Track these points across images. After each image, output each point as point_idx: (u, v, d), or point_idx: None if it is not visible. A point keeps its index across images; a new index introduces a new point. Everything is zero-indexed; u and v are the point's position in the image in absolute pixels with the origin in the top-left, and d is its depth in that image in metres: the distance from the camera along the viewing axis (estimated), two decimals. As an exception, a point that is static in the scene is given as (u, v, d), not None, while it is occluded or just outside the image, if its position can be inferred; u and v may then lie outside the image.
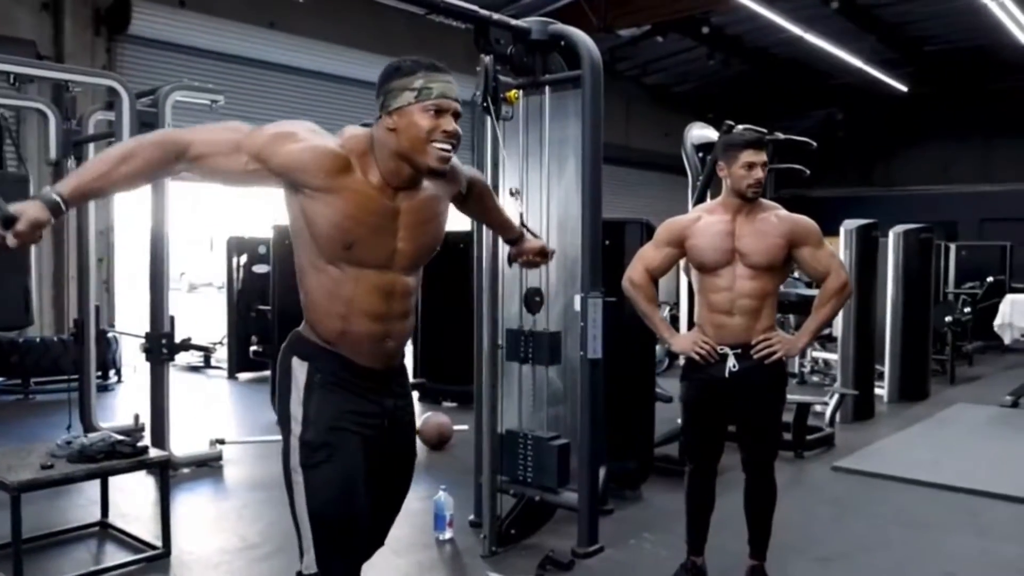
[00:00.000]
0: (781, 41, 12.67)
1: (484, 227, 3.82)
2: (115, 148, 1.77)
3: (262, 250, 8.30)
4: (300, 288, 1.93)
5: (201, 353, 8.85)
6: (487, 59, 3.37)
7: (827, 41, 11.80)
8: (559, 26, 3.65)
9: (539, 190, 3.73)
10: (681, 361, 3.23)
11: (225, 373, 8.42)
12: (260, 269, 8.28)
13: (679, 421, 4.98)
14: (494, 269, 3.64)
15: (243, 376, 8.32)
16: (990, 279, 9.63)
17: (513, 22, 3.53)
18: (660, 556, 3.58)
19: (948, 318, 8.52)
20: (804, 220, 3.06)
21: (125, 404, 6.62)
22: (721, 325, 3.03)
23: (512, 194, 3.68)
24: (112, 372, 7.61)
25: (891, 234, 7.33)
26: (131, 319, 8.57)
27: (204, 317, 9.19)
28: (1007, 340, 7.60)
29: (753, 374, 3.00)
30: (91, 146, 5.39)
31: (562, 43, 3.63)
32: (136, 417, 5.57)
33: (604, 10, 11.05)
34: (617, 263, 4.22)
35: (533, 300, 3.59)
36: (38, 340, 7.07)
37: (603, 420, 3.77)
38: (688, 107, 15.79)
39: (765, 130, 5.73)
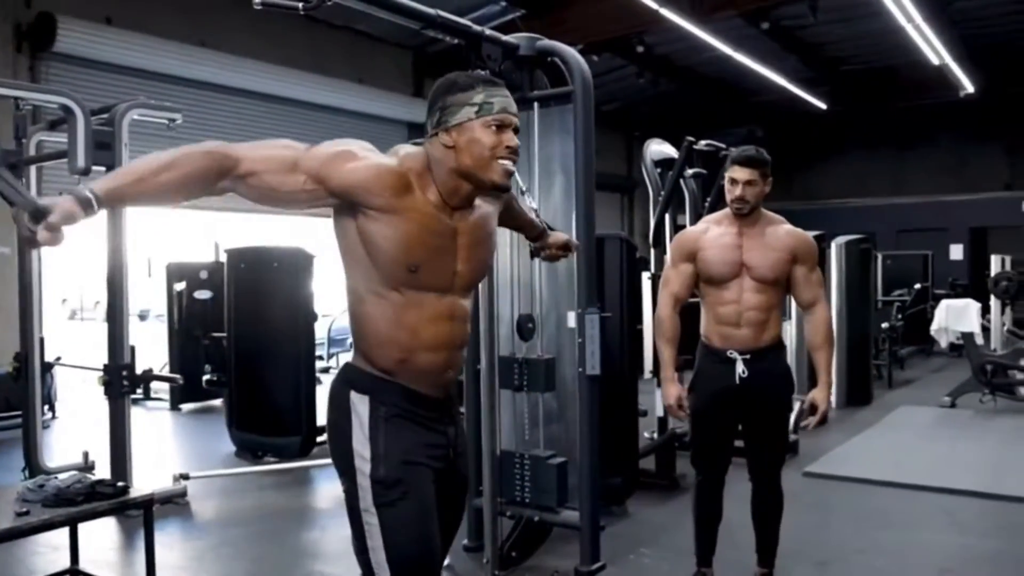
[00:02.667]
0: (708, 60, 13.03)
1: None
2: (159, 154, 1.62)
3: (203, 275, 7.99)
4: (353, 316, 1.84)
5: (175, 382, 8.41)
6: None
7: (753, 60, 12.21)
8: (547, 42, 3.65)
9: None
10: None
11: (167, 405, 8.03)
12: (202, 295, 7.97)
13: (647, 435, 5.03)
14: (490, 290, 3.59)
15: (187, 407, 7.96)
16: (917, 286, 10.09)
17: (503, 37, 3.51)
18: (663, 570, 3.57)
19: (884, 324, 8.87)
20: (810, 239, 3.13)
21: (66, 441, 6.23)
22: (728, 336, 3.06)
23: (522, 192, 3.56)
24: (46, 408, 7.14)
25: (833, 245, 7.60)
26: (53, 350, 8.10)
27: (142, 346, 8.73)
28: (943, 344, 7.97)
29: (762, 379, 3.02)
30: (32, 168, 5.09)
31: (549, 59, 3.63)
32: (85, 455, 5.25)
33: (538, 29, 11.11)
34: (598, 279, 4.23)
35: (526, 327, 3.55)
36: (-33, 376, 6.60)
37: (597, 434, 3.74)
38: (616, 126, 16.08)
39: (723, 145, 5.91)
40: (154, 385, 8.40)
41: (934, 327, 7.94)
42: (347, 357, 2.01)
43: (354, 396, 1.82)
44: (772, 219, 3.13)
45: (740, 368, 3.00)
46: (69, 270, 21.40)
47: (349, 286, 1.82)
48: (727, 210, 3.13)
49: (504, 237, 3.65)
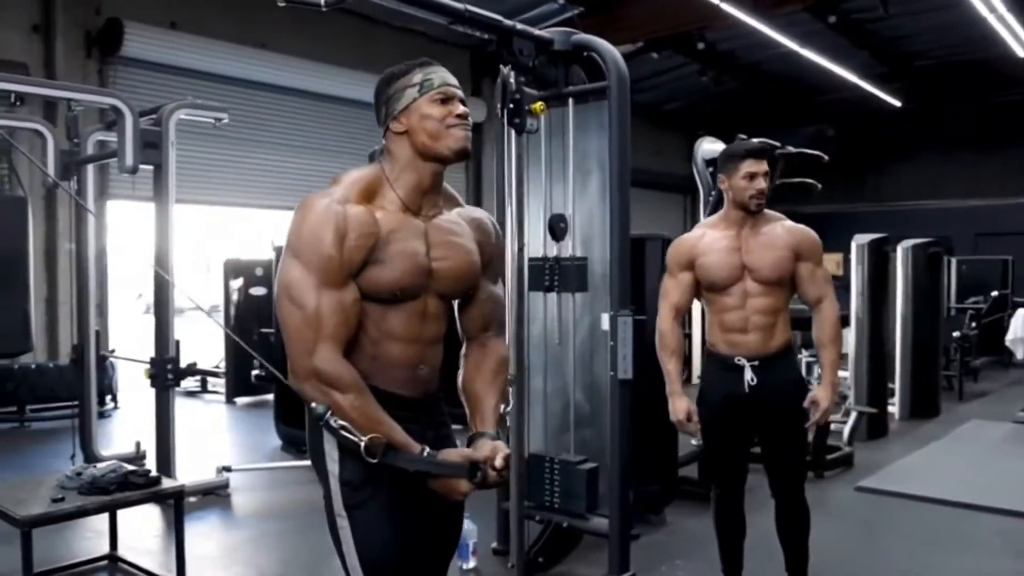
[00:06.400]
0: (773, 57, 12.70)
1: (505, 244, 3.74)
2: (351, 420, 1.66)
3: (259, 272, 8.15)
4: None
5: (198, 378, 8.65)
6: (506, 69, 3.26)
7: (821, 56, 11.83)
8: (583, 36, 3.56)
9: (563, 206, 3.62)
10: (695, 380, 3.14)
11: (223, 398, 8.23)
12: (257, 291, 8.12)
13: (693, 443, 4.88)
14: (520, 289, 3.52)
15: (241, 401, 8.13)
16: (994, 293, 9.59)
17: (536, 32, 3.43)
18: (694, 583, 3.45)
19: (956, 333, 8.46)
20: (811, 234, 2.99)
21: (124, 431, 6.43)
22: (735, 343, 2.94)
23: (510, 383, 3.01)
24: (109, 398, 7.40)
25: (899, 249, 7.28)
26: (125, 344, 8.37)
27: (200, 341, 8.97)
28: (1020, 355, 7.54)
29: (773, 387, 2.89)
30: (90, 167, 5.26)
31: (585, 54, 3.55)
32: (137, 444, 5.40)
33: (598, 27, 11.00)
34: (638, 280, 4.12)
35: (558, 226, 3.44)
36: (33, 367, 6.88)
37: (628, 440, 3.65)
38: (679, 125, 15.83)
39: (777, 143, 5.71)
40: (211, 378, 8.63)
41: (1009, 337, 7.52)
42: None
43: None
44: (769, 217, 2.99)
45: (749, 375, 2.88)
46: (146, 266, 22.13)
47: None
48: (723, 212, 3.01)
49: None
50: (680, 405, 2.98)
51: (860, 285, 6.40)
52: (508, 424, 2.04)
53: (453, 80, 1.83)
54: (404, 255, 1.74)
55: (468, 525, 3.66)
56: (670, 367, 3.02)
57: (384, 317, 1.75)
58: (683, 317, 3.13)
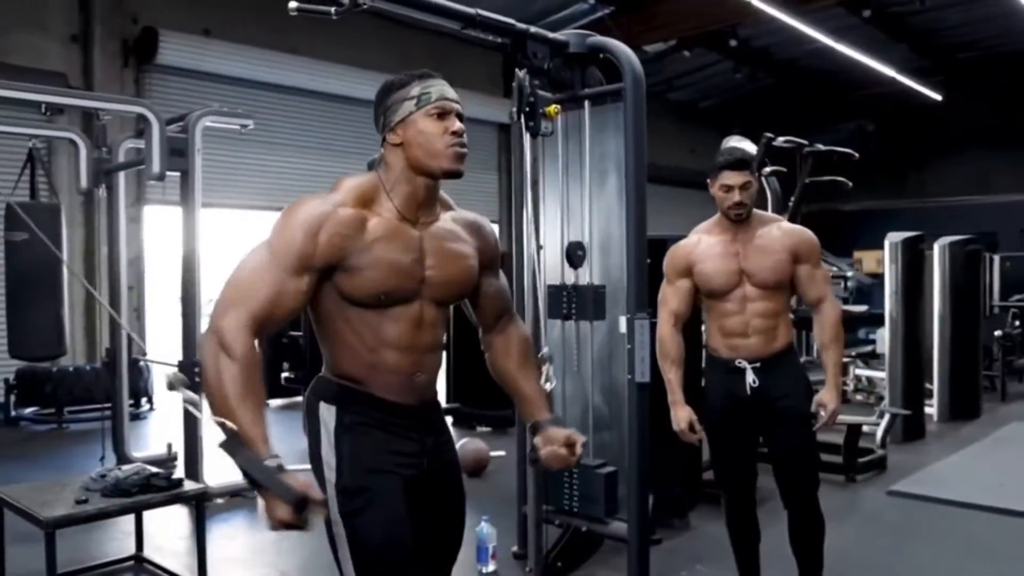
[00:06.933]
0: (809, 52, 12.51)
1: (520, 246, 3.73)
2: (220, 380, 1.58)
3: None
4: (320, 333, 1.81)
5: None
6: (521, 73, 3.26)
7: (857, 51, 11.61)
8: (598, 38, 3.53)
9: (580, 208, 3.60)
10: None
11: (257, 400, 8.33)
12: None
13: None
14: (535, 290, 3.52)
15: (274, 403, 8.22)
16: (1039, 291, 9.32)
17: (550, 35, 3.42)
18: (715, 589, 3.40)
19: (997, 332, 8.23)
20: (808, 235, 2.94)
21: (158, 432, 6.54)
22: (736, 347, 2.91)
23: (544, 360, 3.04)
24: (144, 400, 7.56)
25: (936, 246, 7.10)
26: (162, 347, 8.53)
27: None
28: (1063, 354, 7.30)
29: (775, 389, 2.84)
30: (122, 174, 5.36)
31: (601, 55, 3.52)
32: (169, 446, 5.49)
33: (629, 26, 10.96)
34: (660, 282, 4.07)
35: (576, 254, 3.44)
36: (71, 369, 7.05)
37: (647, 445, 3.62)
38: (714, 123, 15.63)
39: (804, 142, 5.62)
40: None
41: (1053, 335, 7.31)
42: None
43: (323, 407, 1.81)
44: (764, 219, 2.96)
45: (750, 378, 2.84)
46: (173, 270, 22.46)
47: (314, 306, 1.78)
48: (716, 217, 2.96)
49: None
50: (681, 414, 2.94)
51: (894, 284, 6.26)
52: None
53: (452, 94, 1.81)
54: (389, 260, 1.73)
55: (488, 529, 3.66)
56: (671, 375, 2.99)
57: (380, 325, 1.75)
58: (684, 324, 3.08)
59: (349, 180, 1.81)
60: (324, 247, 1.68)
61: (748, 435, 2.94)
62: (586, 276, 3.51)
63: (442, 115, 1.77)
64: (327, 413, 1.79)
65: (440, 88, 1.79)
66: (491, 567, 3.64)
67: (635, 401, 3.40)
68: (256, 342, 1.64)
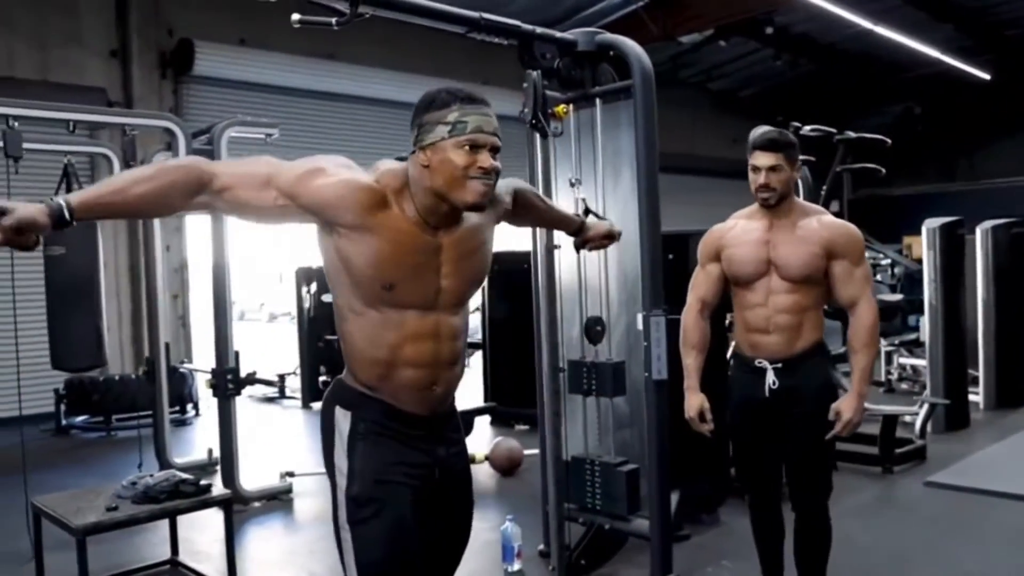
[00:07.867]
0: (850, 36, 12.22)
1: (540, 249, 3.74)
2: (139, 168, 1.68)
3: (330, 279, 8.34)
4: (339, 332, 1.84)
5: (276, 384, 8.95)
6: (534, 75, 3.26)
7: (899, 33, 11.31)
8: (607, 36, 3.52)
9: (595, 206, 3.59)
10: None
11: (299, 403, 8.49)
12: (328, 298, 8.29)
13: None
14: (551, 291, 3.52)
15: (316, 406, 8.37)
16: (1093, 273, 8.95)
17: (558, 34, 3.41)
18: (740, 585, 3.37)
19: (1048, 317, 7.94)
20: (849, 229, 2.78)
21: (202, 438, 6.72)
22: (756, 345, 2.80)
23: (572, 184, 3.49)
24: (190, 406, 7.75)
25: (979, 231, 6.90)
26: (209, 354, 8.74)
27: (280, 347, 9.28)
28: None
29: (796, 392, 2.74)
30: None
31: (611, 53, 3.51)
32: (210, 452, 5.62)
33: (663, 18, 10.86)
34: (682, 277, 4.03)
35: (594, 330, 3.45)
36: (117, 378, 7.26)
37: (670, 442, 3.59)
38: (755, 111, 15.35)
39: (833, 130, 5.51)
40: (289, 384, 8.91)
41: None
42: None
43: (338, 411, 1.83)
44: (806, 209, 2.82)
45: (770, 379, 2.74)
46: (240, 273, 22.95)
47: (334, 303, 1.82)
48: (756, 204, 2.86)
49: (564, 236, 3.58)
50: (693, 401, 2.89)
51: (932, 271, 6.10)
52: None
53: (490, 126, 1.72)
54: (394, 241, 1.72)
55: (512, 528, 3.68)
56: (689, 361, 2.94)
57: (397, 337, 1.75)
58: (712, 311, 3.02)
59: (387, 163, 1.81)
60: (316, 191, 1.68)
61: (769, 435, 2.86)
62: (606, 352, 3.49)
63: (474, 148, 1.70)
64: (342, 418, 1.81)
65: (478, 119, 1.70)
66: (516, 566, 3.66)
67: (653, 398, 3.38)
68: (197, 178, 1.64)
